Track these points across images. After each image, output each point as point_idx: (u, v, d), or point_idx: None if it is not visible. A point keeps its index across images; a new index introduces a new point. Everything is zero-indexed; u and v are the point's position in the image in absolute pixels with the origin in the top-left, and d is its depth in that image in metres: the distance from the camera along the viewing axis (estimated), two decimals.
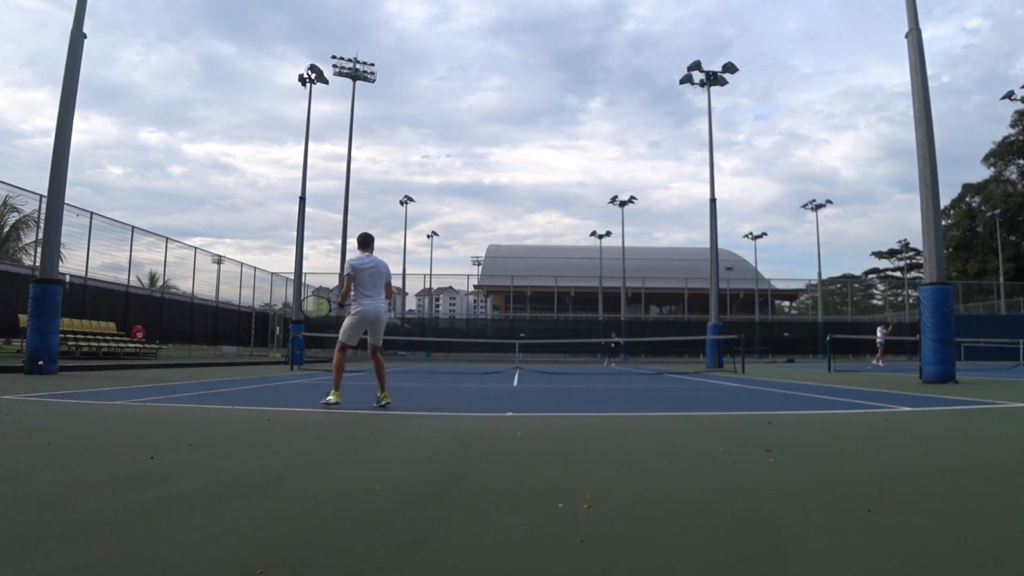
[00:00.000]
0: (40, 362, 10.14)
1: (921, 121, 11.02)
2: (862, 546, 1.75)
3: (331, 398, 5.71)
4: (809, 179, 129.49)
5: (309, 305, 6.40)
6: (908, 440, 3.94)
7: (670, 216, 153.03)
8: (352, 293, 5.77)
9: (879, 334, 21.59)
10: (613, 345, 26.88)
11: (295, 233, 22.04)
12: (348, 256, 5.81)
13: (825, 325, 34.53)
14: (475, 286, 48.83)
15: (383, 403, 5.74)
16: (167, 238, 23.12)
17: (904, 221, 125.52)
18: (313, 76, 23.97)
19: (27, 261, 19.49)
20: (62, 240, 12.35)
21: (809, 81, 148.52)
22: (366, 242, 6.04)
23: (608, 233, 41.34)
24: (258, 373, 13.35)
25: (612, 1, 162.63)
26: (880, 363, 21.74)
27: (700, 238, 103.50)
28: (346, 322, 5.85)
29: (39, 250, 11.67)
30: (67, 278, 16.85)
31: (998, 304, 38.52)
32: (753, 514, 2.10)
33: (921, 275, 18.40)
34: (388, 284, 6.00)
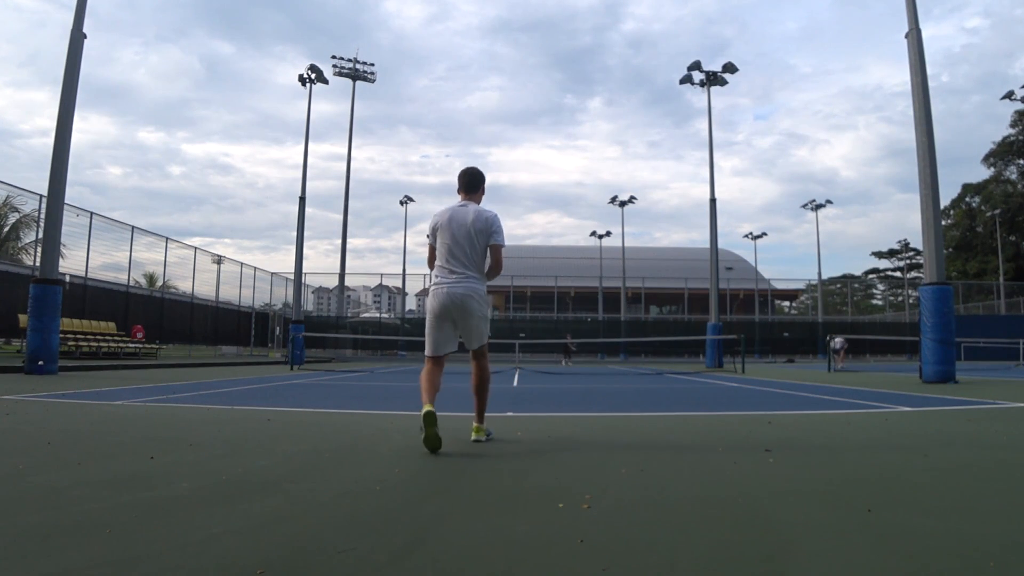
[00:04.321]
0: (40, 362, 10.14)
1: (921, 121, 11.02)
2: (862, 546, 1.75)
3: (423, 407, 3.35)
4: (809, 179, 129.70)
5: None
6: (908, 440, 3.94)
7: (670, 216, 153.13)
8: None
9: (838, 343, 20.79)
10: (570, 347, 27.08)
11: (295, 233, 22.10)
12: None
13: (825, 325, 34.52)
14: None
15: (479, 440, 3.67)
16: (167, 238, 23.16)
17: (904, 221, 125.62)
18: (313, 76, 24.01)
19: (27, 261, 19.49)
20: (62, 240, 12.35)
21: (808, 81, 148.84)
22: (467, 184, 3.78)
23: (608, 233, 41.38)
24: (258, 373, 13.35)
25: (611, 0, 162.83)
26: (840, 365, 20.80)
27: (700, 238, 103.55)
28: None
29: (39, 250, 11.67)
30: (67, 278, 16.85)
31: (998, 304, 38.53)
32: (753, 514, 2.10)
33: (921, 275, 18.30)
34: (494, 250, 3.65)
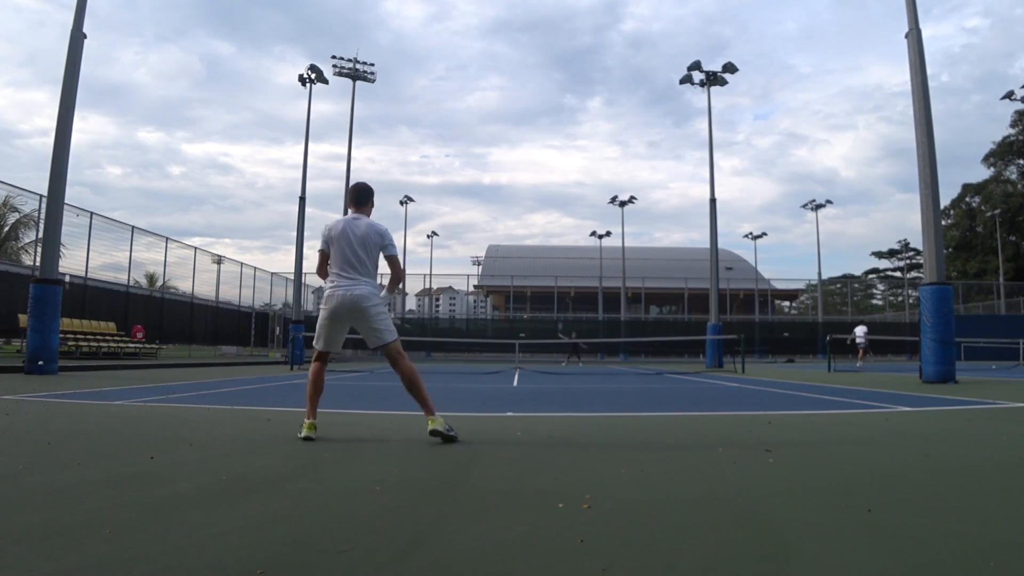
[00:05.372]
0: (40, 362, 10.14)
1: (921, 121, 11.02)
2: (862, 546, 1.75)
3: (302, 430, 3.76)
4: (808, 179, 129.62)
5: None
6: (908, 440, 3.94)
7: (670, 216, 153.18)
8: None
9: (860, 335, 21.16)
10: (579, 345, 26.33)
11: (295, 233, 22.09)
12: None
13: (825, 325, 34.51)
14: (475, 286, 48.84)
15: (436, 430, 3.65)
16: (167, 238, 23.14)
17: (904, 221, 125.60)
18: (313, 76, 23.97)
19: (27, 261, 19.48)
20: (62, 240, 12.34)
21: (808, 81, 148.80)
22: (358, 198, 4.04)
23: (608, 233, 41.36)
24: (258, 373, 13.35)
25: (610, 0, 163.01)
26: (860, 363, 21.40)
27: (700, 238, 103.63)
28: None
29: (39, 250, 11.67)
30: (67, 278, 16.84)
31: (998, 304, 38.52)
32: (753, 514, 2.10)
33: (921, 275, 18.34)
34: (391, 261, 4.02)
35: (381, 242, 3.93)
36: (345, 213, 4.19)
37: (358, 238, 3.87)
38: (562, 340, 25.97)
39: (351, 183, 4.08)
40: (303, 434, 3.71)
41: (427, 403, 3.79)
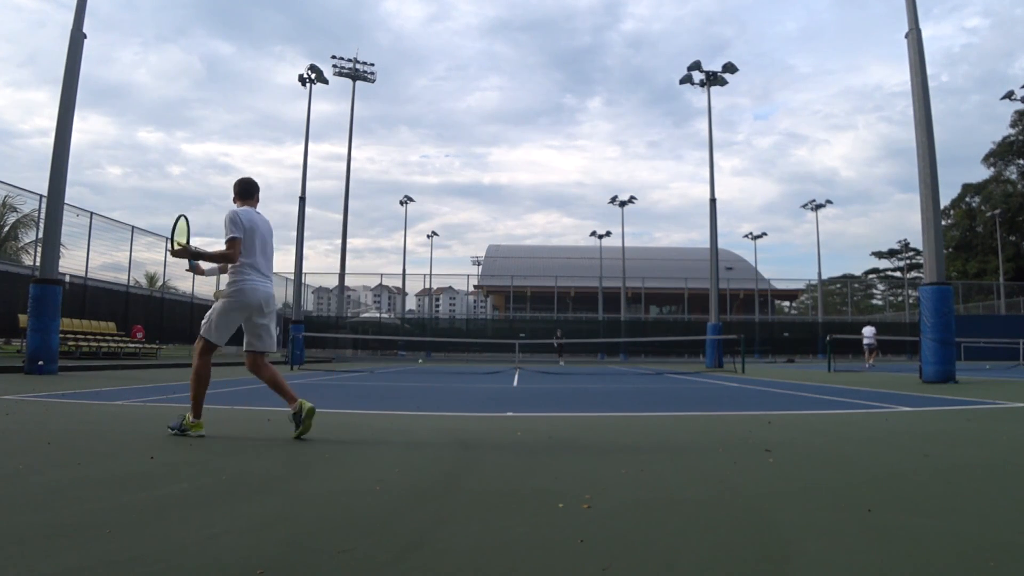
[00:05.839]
0: (40, 362, 10.14)
1: (921, 121, 11.02)
2: (862, 546, 1.75)
3: (188, 430, 3.75)
4: (808, 179, 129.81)
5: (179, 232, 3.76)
6: (908, 440, 3.94)
7: (670, 216, 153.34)
8: (235, 265, 3.79)
9: (869, 336, 21.25)
10: (558, 344, 26.03)
11: (295, 233, 22.10)
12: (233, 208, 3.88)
13: (825, 325, 34.50)
14: (475, 286, 48.82)
15: (301, 419, 3.71)
16: (167, 238, 23.11)
17: (904, 221, 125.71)
18: (313, 76, 24.00)
19: (27, 261, 19.48)
20: (62, 240, 12.34)
21: (808, 81, 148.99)
22: (251, 191, 3.98)
23: (608, 233, 41.35)
24: None
25: (610, 0, 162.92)
26: (870, 363, 21.50)
27: (700, 238, 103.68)
28: (218, 307, 3.83)
29: (39, 250, 11.67)
30: (67, 278, 16.84)
31: (998, 304, 38.52)
32: (753, 514, 2.10)
33: (921, 275, 18.38)
34: None
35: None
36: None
37: (271, 234, 3.96)
38: (556, 341, 26.10)
39: (240, 178, 4.03)
40: (196, 433, 3.73)
41: (290, 393, 3.85)
